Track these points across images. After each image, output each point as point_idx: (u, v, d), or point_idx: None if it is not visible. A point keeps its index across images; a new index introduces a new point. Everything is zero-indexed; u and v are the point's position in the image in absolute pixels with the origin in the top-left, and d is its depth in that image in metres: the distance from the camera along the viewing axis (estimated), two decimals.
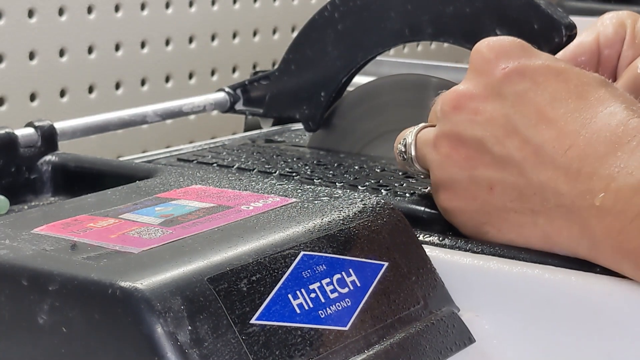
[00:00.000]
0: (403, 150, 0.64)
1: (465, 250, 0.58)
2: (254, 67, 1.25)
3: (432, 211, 0.62)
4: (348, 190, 0.59)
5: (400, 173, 0.71)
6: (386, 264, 0.53)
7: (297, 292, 0.48)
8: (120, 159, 0.82)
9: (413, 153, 0.63)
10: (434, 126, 0.62)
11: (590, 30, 0.68)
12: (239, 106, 0.87)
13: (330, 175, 0.71)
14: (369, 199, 0.57)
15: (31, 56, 1.01)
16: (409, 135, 0.64)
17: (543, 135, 0.56)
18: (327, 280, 0.50)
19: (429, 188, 0.67)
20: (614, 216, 0.52)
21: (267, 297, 0.47)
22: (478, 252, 0.58)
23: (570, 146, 0.55)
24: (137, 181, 0.62)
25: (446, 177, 0.60)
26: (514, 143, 0.57)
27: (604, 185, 0.53)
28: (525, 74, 0.58)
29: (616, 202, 0.52)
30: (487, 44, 0.60)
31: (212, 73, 1.21)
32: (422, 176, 0.64)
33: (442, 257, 0.57)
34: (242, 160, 0.76)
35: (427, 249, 0.57)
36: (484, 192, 0.58)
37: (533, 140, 0.56)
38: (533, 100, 0.57)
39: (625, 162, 0.53)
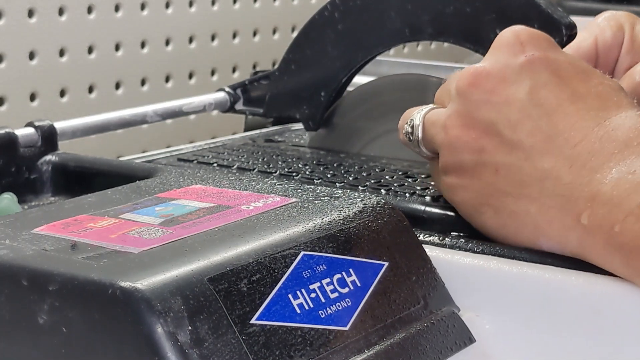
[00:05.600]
0: (410, 131, 0.63)
1: (466, 250, 0.58)
2: (254, 67, 1.25)
3: (433, 211, 0.62)
4: (348, 190, 0.59)
5: (400, 173, 0.71)
6: (386, 263, 0.53)
7: (298, 292, 0.48)
8: (120, 159, 0.82)
9: (420, 135, 0.62)
10: (440, 107, 0.62)
11: (588, 33, 0.67)
12: (239, 106, 0.87)
13: (330, 175, 0.71)
14: (369, 198, 0.57)
15: (31, 56, 1.01)
16: (416, 116, 0.63)
17: (557, 126, 0.56)
18: (328, 280, 0.50)
19: (430, 189, 0.67)
20: (609, 209, 0.52)
21: (267, 297, 0.47)
22: (478, 252, 0.58)
23: (581, 140, 0.55)
24: (137, 181, 0.62)
25: (455, 158, 0.60)
26: (526, 129, 0.57)
27: (604, 180, 0.53)
28: (549, 66, 0.58)
29: (613, 196, 0.52)
30: (516, 29, 0.60)
31: (212, 73, 1.21)
32: (425, 157, 0.64)
33: (442, 257, 0.57)
34: (242, 160, 0.76)
35: (427, 249, 0.57)
36: (490, 174, 0.58)
37: (545, 129, 0.56)
38: (552, 92, 0.57)
39: (630, 162, 0.53)
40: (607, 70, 0.67)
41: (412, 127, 0.63)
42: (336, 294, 0.50)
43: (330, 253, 0.51)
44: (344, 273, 0.51)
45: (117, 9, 1.09)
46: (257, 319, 0.46)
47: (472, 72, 0.59)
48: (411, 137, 0.63)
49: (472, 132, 0.59)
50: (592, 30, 0.68)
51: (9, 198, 0.65)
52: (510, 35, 0.60)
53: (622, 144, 0.54)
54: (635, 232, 0.51)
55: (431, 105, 0.63)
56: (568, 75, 0.58)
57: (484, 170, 0.58)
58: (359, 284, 0.51)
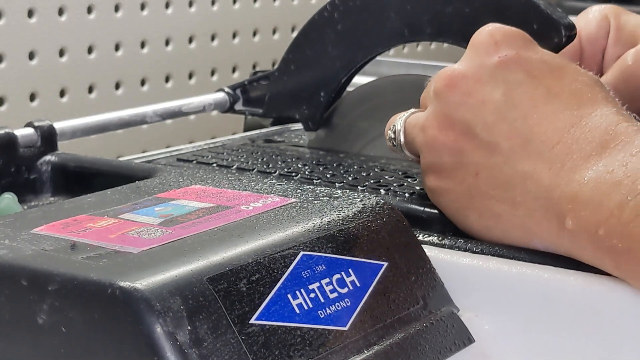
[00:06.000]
0: (392, 136, 0.64)
1: (465, 250, 0.58)
2: (254, 67, 1.25)
3: (432, 211, 0.62)
4: (347, 191, 0.59)
5: (400, 173, 0.71)
6: (386, 264, 0.53)
7: (297, 292, 0.48)
8: (120, 159, 0.82)
9: (402, 140, 0.63)
10: (423, 111, 0.62)
11: None
12: (239, 106, 0.87)
13: (329, 175, 0.71)
14: (369, 199, 0.57)
15: (31, 56, 1.01)
16: (398, 121, 0.64)
17: (532, 128, 0.56)
18: (327, 280, 0.50)
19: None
20: (590, 210, 0.52)
21: (266, 297, 0.47)
22: (478, 252, 0.58)
23: (558, 142, 0.55)
24: (137, 181, 0.62)
25: (435, 160, 0.60)
26: (502, 131, 0.57)
27: (583, 180, 0.53)
28: (521, 65, 0.58)
29: (593, 196, 0.52)
30: (490, 29, 0.60)
31: (212, 73, 1.21)
32: (411, 160, 0.65)
33: (441, 257, 0.57)
34: (242, 160, 0.76)
35: (427, 249, 0.57)
36: (471, 177, 0.58)
37: (522, 131, 0.56)
38: (527, 92, 0.57)
39: (607, 161, 0.53)
40: (594, 62, 0.67)
41: (394, 132, 0.64)
42: (335, 294, 0.50)
43: (329, 253, 0.51)
44: (343, 273, 0.51)
45: (117, 9, 1.09)
46: (256, 319, 0.46)
47: (448, 74, 0.60)
48: (394, 143, 0.64)
49: (450, 133, 0.59)
50: (577, 24, 0.68)
51: (9, 198, 0.65)
52: (485, 34, 0.60)
53: (599, 145, 0.54)
54: (619, 234, 0.51)
55: (412, 110, 0.64)
56: (541, 74, 0.58)
57: (464, 173, 0.59)
58: (358, 284, 0.51)
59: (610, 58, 0.68)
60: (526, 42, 0.60)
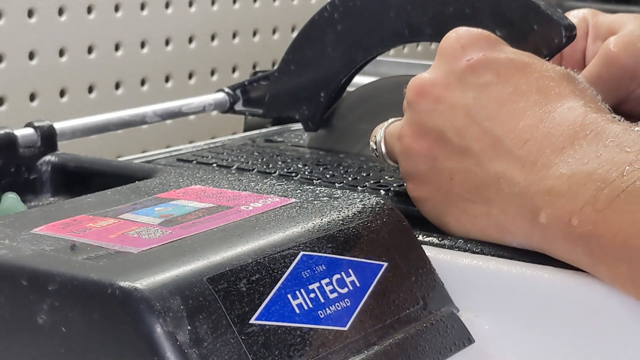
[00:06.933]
0: (374, 147, 0.65)
1: (465, 251, 0.58)
2: (254, 67, 1.25)
3: None
4: (347, 191, 0.59)
5: (399, 173, 0.72)
6: (385, 264, 0.53)
7: (297, 292, 0.48)
8: (120, 159, 0.82)
9: (383, 149, 0.64)
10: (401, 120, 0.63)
11: None
12: (239, 106, 0.87)
13: (329, 176, 0.71)
14: (369, 199, 0.57)
15: (31, 56, 1.01)
16: (379, 131, 0.65)
17: (502, 128, 0.57)
18: (327, 280, 0.50)
19: None
20: (565, 200, 0.53)
21: (266, 297, 0.47)
22: (477, 252, 0.58)
23: (528, 139, 0.56)
24: (137, 181, 0.62)
25: (411, 168, 0.61)
26: (473, 134, 0.57)
27: (559, 173, 0.53)
28: (489, 67, 0.59)
29: (569, 187, 0.53)
30: (456, 34, 0.61)
31: (212, 73, 1.21)
32: (395, 169, 0.65)
33: (441, 257, 0.57)
34: (242, 160, 0.76)
35: (427, 249, 0.57)
36: (446, 182, 0.59)
37: (491, 132, 0.57)
38: (494, 93, 0.58)
39: (580, 152, 0.53)
40: (574, 62, 0.68)
41: (376, 142, 0.64)
42: (335, 294, 0.50)
43: (329, 253, 0.51)
44: (343, 273, 0.51)
45: (117, 9, 1.09)
46: (256, 319, 0.46)
47: (418, 83, 0.60)
48: (377, 153, 0.65)
49: (424, 141, 0.59)
50: None
51: (13, 197, 0.65)
52: (452, 39, 0.60)
53: (570, 138, 0.54)
54: (593, 220, 0.51)
55: (392, 120, 0.65)
56: (508, 73, 0.58)
57: (439, 178, 0.59)
58: (358, 284, 0.51)
59: (590, 55, 0.69)
60: (493, 43, 0.60)
